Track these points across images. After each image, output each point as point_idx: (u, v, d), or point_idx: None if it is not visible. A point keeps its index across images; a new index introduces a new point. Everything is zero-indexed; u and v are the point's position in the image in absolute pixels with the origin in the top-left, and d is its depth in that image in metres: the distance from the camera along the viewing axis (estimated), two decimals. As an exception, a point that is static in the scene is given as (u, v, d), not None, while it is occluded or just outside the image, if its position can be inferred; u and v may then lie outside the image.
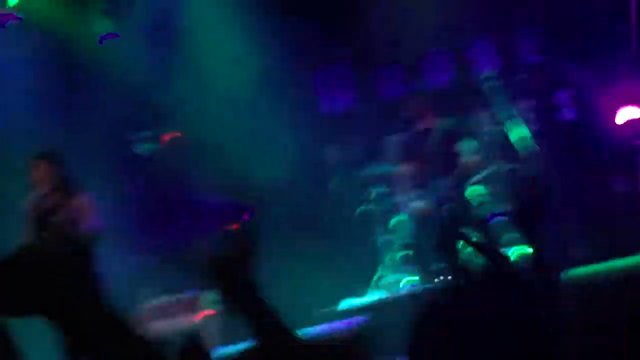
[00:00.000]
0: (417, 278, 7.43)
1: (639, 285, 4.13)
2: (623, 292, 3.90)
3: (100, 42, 7.67)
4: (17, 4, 7.28)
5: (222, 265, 2.89)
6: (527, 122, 7.21)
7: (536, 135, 7.04)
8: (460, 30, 8.23)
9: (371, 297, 7.71)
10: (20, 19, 7.41)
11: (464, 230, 6.92)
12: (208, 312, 7.46)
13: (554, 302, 3.43)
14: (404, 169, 7.20)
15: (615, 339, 3.14)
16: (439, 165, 7.00)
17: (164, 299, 7.63)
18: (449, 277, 6.69)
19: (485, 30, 8.35)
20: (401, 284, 7.66)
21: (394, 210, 7.81)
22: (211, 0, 8.09)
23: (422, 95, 7.30)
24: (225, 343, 6.66)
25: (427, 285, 7.17)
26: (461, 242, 6.47)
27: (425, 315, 3.09)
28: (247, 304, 2.82)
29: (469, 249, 6.25)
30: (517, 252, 6.86)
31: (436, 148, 6.97)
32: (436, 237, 6.99)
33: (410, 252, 7.47)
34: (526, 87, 7.81)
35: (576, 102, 7.94)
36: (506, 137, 7.20)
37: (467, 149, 6.99)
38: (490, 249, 5.88)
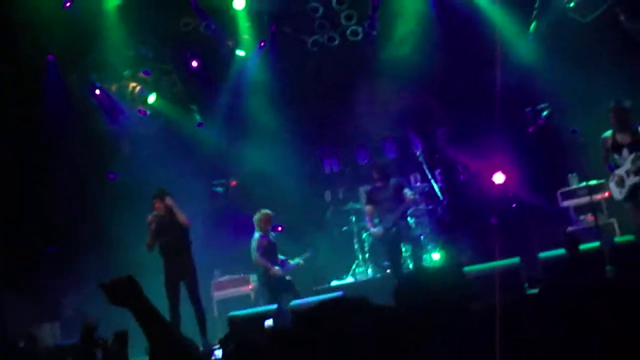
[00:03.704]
0: (374, 270, 10.78)
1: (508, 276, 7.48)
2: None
3: (198, 126, 12.09)
4: (153, 103, 11.83)
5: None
6: (438, 181, 11.42)
7: (443, 189, 11.35)
8: (402, 126, 12.19)
9: (349, 280, 11.02)
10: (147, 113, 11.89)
11: (403, 244, 10.04)
12: (253, 285, 10.92)
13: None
14: (368, 207, 10.05)
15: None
16: (390, 205, 9.79)
17: (227, 276, 11.29)
18: (392, 271, 9.98)
19: (416, 127, 12.14)
20: (367, 272, 10.98)
21: (363, 230, 11.16)
22: (260, 96, 12.17)
23: (381, 164, 10.48)
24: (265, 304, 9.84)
25: (379, 274, 10.54)
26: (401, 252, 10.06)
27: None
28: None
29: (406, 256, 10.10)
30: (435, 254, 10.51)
31: (389, 195, 9.82)
32: (386, 248, 9.91)
33: (371, 255, 10.79)
34: (439, 161, 11.81)
35: (466, 170, 11.91)
36: (430, 188, 11.09)
37: (408, 193, 9.76)
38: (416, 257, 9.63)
